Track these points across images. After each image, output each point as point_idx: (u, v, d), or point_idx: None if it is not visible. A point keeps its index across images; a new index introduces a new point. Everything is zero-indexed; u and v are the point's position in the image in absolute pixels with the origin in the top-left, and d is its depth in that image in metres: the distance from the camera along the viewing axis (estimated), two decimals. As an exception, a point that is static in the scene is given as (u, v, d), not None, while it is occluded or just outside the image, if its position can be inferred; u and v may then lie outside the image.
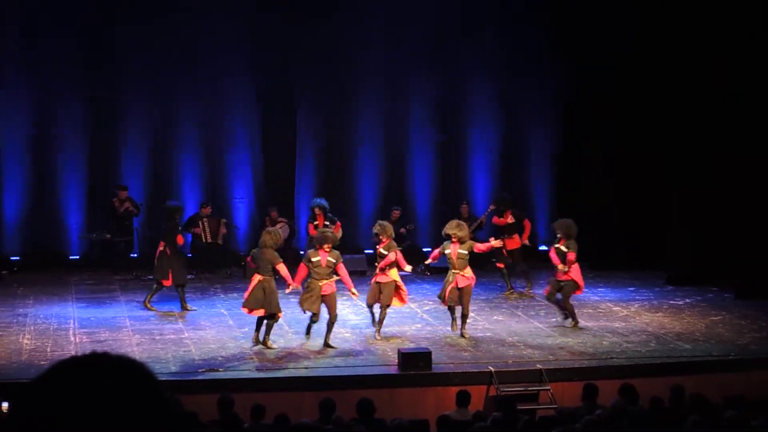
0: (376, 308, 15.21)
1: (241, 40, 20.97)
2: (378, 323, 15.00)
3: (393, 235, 15.64)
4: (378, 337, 14.81)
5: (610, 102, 20.42)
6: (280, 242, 14.84)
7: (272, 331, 14.38)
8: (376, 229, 15.44)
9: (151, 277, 18.66)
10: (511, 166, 21.97)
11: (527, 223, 18.66)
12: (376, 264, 15.29)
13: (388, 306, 14.99)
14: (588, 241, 20.88)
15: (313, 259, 14.30)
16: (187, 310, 16.63)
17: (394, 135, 21.73)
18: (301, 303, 14.39)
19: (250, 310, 14.39)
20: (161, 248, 16.68)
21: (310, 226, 18.37)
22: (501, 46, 21.61)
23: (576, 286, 15.52)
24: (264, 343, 14.23)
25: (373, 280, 15.34)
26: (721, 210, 18.43)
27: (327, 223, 18.15)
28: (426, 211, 21.79)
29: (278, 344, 14.41)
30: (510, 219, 18.41)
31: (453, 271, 14.83)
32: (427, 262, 16.60)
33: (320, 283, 14.20)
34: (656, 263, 19.54)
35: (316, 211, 18.46)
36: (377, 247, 15.42)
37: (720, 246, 18.33)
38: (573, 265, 15.43)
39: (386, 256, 15.13)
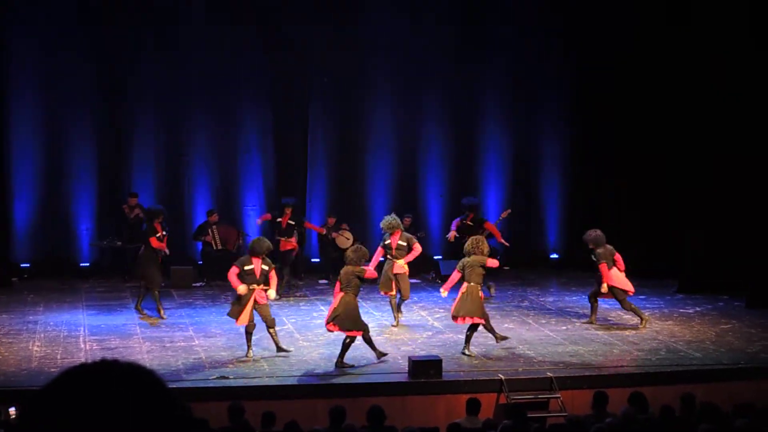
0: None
1: (252, 46, 20.99)
2: (398, 311, 16.07)
3: (400, 226, 16.29)
4: (396, 324, 15.88)
5: (620, 108, 20.44)
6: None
7: (282, 339, 14.49)
8: (382, 225, 16.31)
9: (162, 284, 18.78)
10: (523, 174, 21.98)
11: (488, 225, 18.65)
12: (389, 257, 16.04)
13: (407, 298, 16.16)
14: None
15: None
16: (140, 313, 16.68)
17: (406, 142, 21.75)
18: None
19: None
20: (141, 250, 16.99)
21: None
22: (510, 51, 21.64)
23: (623, 291, 15.88)
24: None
25: (390, 271, 15.97)
26: (732, 217, 18.38)
27: (292, 222, 18.69)
28: (437, 219, 21.80)
29: (289, 351, 14.42)
30: (469, 222, 18.44)
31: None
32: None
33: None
34: (667, 270, 19.51)
35: (287, 210, 18.79)
36: (390, 240, 16.07)
37: (731, 254, 18.28)
38: (610, 272, 15.77)
39: (404, 247, 15.99)
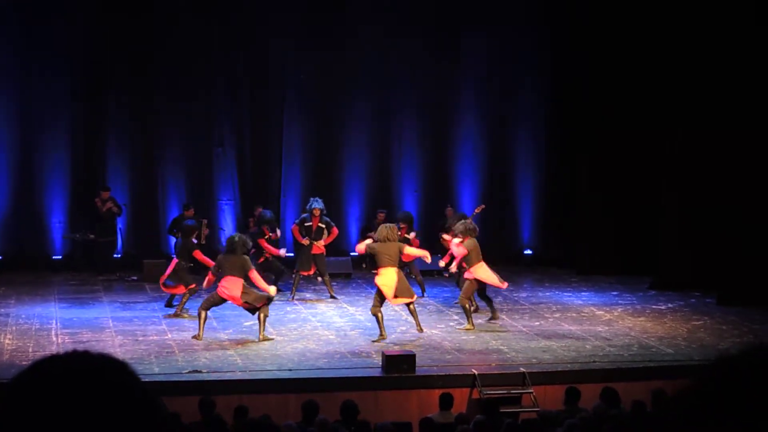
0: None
1: (229, 43, 20.94)
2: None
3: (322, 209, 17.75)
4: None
5: (597, 106, 20.49)
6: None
7: (254, 333, 14.47)
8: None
9: (134, 278, 18.86)
10: (498, 169, 21.98)
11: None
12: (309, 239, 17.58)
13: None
14: (573, 245, 21.02)
15: None
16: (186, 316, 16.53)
17: (381, 137, 21.75)
18: None
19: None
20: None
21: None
22: (489, 50, 21.66)
23: (471, 288, 15.78)
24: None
25: (310, 252, 17.61)
26: (705, 215, 18.45)
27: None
28: (413, 214, 21.76)
29: (263, 346, 14.41)
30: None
31: None
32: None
33: None
34: (641, 268, 19.58)
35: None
36: (311, 223, 17.75)
37: (703, 251, 18.36)
38: (478, 264, 15.74)
39: (323, 229, 17.68)
